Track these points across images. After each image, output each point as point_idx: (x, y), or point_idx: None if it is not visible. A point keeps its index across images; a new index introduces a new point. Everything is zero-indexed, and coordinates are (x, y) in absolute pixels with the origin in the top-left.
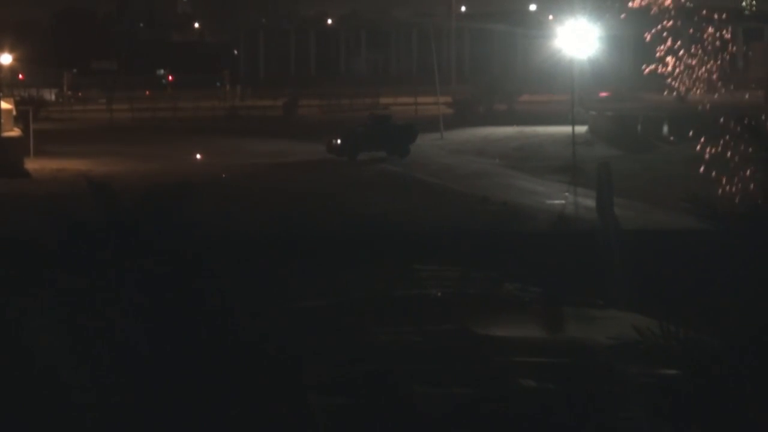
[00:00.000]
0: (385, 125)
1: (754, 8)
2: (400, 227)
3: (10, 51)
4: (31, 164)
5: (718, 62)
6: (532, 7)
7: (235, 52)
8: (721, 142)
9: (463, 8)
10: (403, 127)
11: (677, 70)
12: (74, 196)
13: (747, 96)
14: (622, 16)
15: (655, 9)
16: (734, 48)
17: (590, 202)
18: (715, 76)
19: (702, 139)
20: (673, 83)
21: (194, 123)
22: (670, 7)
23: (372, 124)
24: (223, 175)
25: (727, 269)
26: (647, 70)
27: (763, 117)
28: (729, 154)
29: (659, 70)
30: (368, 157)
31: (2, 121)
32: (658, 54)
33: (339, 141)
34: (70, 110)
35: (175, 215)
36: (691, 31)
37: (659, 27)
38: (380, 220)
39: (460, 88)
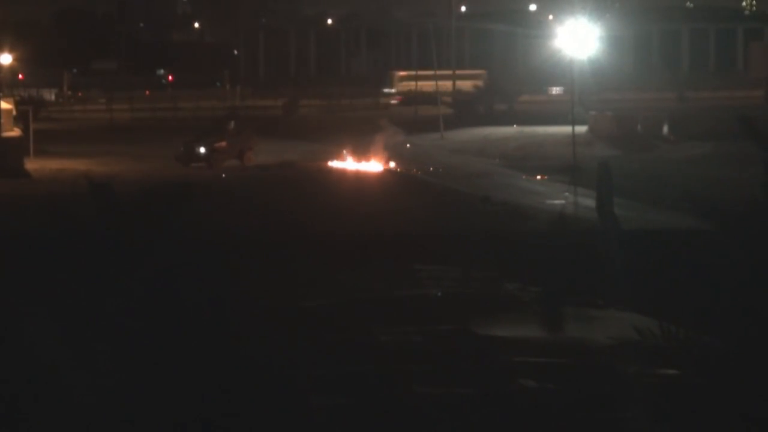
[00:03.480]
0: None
1: (754, 8)
2: (401, 227)
3: (10, 51)
4: (31, 164)
5: None
6: (532, 7)
7: (235, 52)
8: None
9: (463, 8)
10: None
11: None
12: (74, 196)
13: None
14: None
15: None
16: None
17: (590, 202)
18: None
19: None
20: None
21: (194, 123)
22: None
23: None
24: (223, 175)
25: (727, 269)
26: None
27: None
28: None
29: None
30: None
31: (2, 121)
32: None
33: (203, 149)
34: (70, 110)
35: (175, 215)
36: None
37: None
38: (380, 219)
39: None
